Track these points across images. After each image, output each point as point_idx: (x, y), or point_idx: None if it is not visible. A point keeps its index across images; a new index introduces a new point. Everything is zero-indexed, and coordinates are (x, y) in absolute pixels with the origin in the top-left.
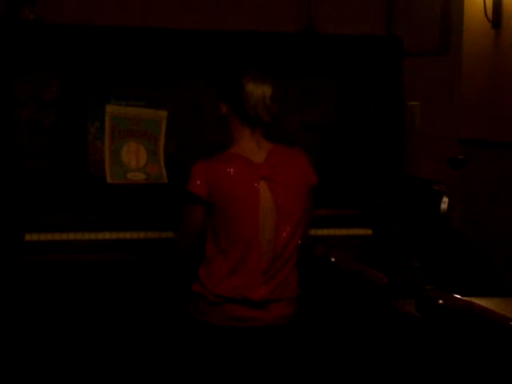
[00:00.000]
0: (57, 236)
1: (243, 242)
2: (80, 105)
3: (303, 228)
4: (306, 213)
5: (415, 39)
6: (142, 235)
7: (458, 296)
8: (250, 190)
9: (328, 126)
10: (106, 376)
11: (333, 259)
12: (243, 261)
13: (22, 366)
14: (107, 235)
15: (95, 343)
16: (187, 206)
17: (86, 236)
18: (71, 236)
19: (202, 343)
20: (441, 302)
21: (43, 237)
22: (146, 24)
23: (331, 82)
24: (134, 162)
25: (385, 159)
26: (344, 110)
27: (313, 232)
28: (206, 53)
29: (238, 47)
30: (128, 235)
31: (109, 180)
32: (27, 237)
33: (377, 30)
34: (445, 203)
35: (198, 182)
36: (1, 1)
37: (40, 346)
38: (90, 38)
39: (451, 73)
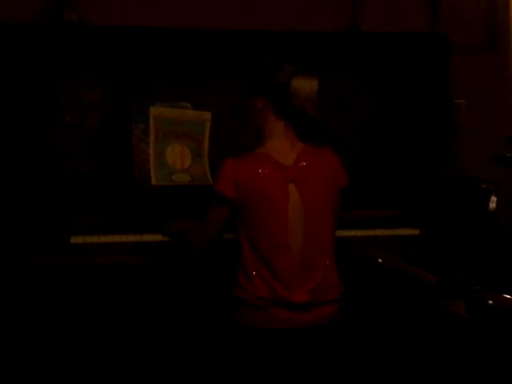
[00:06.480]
0: (102, 238)
1: (275, 244)
2: (124, 107)
3: (332, 229)
4: (335, 214)
5: (460, 36)
6: None
7: (508, 296)
8: (279, 193)
9: (372, 124)
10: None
11: (380, 260)
12: (277, 263)
13: (73, 370)
14: (151, 237)
15: (145, 344)
16: (213, 205)
17: (131, 238)
18: (116, 238)
19: (249, 347)
20: (490, 302)
21: (89, 239)
22: (189, 25)
23: (376, 81)
24: (178, 163)
25: (431, 158)
26: (389, 109)
27: (358, 233)
28: (248, 53)
29: (280, 47)
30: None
31: (153, 182)
32: (73, 240)
33: (421, 27)
34: (493, 202)
35: (226, 183)
36: (44, 3)
37: (88, 347)
38: (133, 40)
39: (498, 70)
